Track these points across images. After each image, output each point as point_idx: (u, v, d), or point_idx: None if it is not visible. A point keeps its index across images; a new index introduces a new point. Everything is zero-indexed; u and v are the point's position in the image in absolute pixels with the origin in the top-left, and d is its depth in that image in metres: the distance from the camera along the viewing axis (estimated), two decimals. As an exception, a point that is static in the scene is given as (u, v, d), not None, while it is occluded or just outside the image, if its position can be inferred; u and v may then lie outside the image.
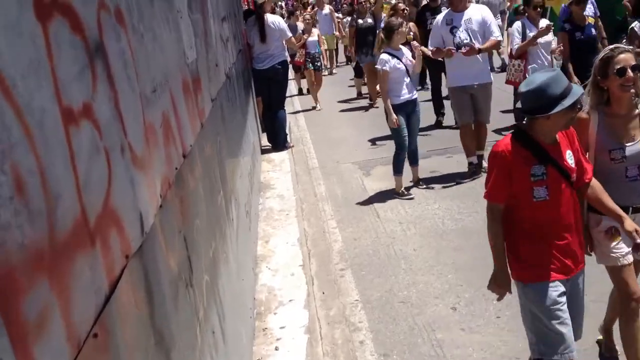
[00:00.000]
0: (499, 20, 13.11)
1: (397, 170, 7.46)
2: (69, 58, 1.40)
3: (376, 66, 7.35)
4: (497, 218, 3.40)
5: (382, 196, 7.56)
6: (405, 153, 7.45)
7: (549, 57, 8.12)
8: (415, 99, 7.39)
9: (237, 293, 3.79)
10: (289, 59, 10.57)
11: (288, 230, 6.19)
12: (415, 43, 7.63)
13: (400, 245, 6.12)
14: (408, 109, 7.30)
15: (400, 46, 7.28)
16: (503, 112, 9.73)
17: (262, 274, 5.22)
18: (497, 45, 7.94)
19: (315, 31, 13.64)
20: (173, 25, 2.95)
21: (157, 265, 1.89)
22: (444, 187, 7.56)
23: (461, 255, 5.74)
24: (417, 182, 7.68)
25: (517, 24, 8.27)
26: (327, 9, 17.71)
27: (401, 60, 7.16)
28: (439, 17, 7.90)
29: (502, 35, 14.04)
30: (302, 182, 8.33)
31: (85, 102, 1.45)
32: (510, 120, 9.65)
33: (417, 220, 6.70)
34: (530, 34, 7.95)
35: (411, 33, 9.18)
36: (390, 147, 9.57)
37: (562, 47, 8.08)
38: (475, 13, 7.62)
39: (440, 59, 8.14)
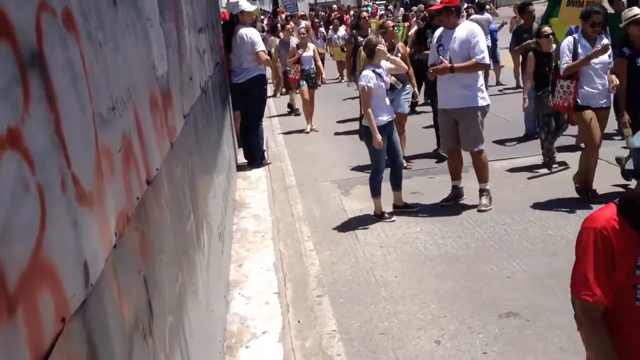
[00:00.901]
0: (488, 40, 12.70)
1: (375, 192, 7.12)
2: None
3: (360, 82, 7.01)
4: (600, 326, 2.36)
5: (361, 218, 7.28)
6: (382, 175, 7.15)
7: (605, 82, 6.95)
8: (393, 119, 7.17)
9: (205, 328, 3.46)
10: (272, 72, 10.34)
11: (263, 253, 5.86)
12: (392, 60, 7.29)
13: (381, 271, 5.83)
14: (389, 130, 7.02)
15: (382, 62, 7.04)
16: (496, 142, 9.51)
17: (235, 301, 4.89)
18: (475, 67, 6.95)
19: (312, 46, 12.91)
20: (141, 34, 2.64)
21: (106, 321, 1.58)
22: (425, 210, 7.29)
23: (444, 283, 5.47)
24: (398, 207, 7.32)
25: (569, 40, 7.19)
26: (303, 24, 17.09)
27: (383, 79, 6.91)
28: (435, 34, 7.49)
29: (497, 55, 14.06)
30: (279, 201, 8.02)
31: (10, 127, 1.14)
32: (515, 151, 9.45)
33: (398, 245, 6.42)
34: (582, 53, 6.92)
35: (399, 54, 8.75)
36: (369, 166, 9.35)
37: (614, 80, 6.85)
38: (462, 32, 7.04)
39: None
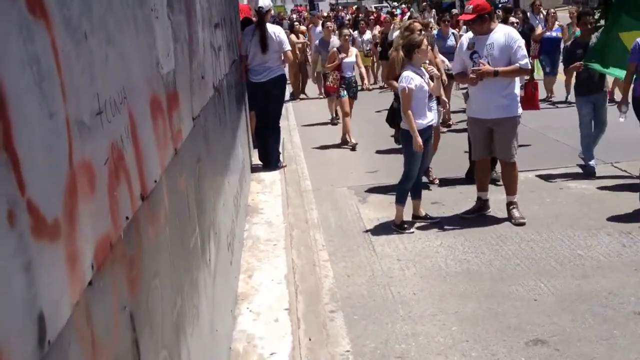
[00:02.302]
0: None
1: (401, 200, 6.74)
2: None
3: (400, 84, 6.59)
4: None
5: (379, 228, 6.94)
6: (411, 183, 6.76)
7: None
8: (433, 123, 6.84)
9: (207, 351, 3.15)
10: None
11: (275, 264, 5.54)
12: (429, 67, 6.88)
13: (399, 287, 5.49)
14: (427, 135, 6.64)
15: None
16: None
17: (242, 316, 4.57)
18: (519, 72, 6.72)
19: (354, 50, 11.29)
20: (144, 27, 2.33)
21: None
22: (446, 223, 6.93)
23: (467, 304, 5.11)
24: (418, 217, 6.97)
25: None
26: (320, 25, 16.48)
27: (425, 80, 6.52)
28: (463, 39, 7.07)
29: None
30: (294, 206, 7.70)
31: None
32: (541, 163, 8.96)
33: (417, 259, 6.07)
34: None
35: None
36: (389, 172, 8.99)
37: None
38: (500, 37, 6.60)
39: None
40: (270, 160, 9.02)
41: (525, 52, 6.68)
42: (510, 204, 6.83)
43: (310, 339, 4.71)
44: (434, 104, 8.17)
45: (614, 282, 5.25)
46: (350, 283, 5.66)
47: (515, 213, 6.74)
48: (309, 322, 4.97)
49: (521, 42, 6.68)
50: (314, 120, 13.54)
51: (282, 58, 8.97)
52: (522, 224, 6.60)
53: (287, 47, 9.04)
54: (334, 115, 12.95)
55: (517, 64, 6.51)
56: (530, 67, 6.98)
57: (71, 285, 1.32)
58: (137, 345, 1.78)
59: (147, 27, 2.40)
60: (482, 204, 7.03)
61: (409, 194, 6.86)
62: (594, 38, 8.14)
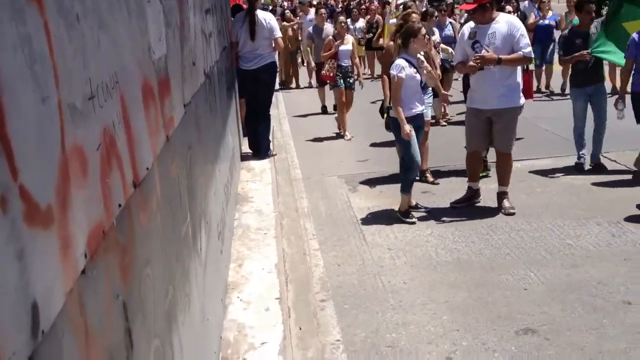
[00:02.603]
0: None
1: (405, 189, 6.69)
2: None
3: (390, 71, 6.57)
4: None
5: (369, 217, 6.93)
6: (415, 173, 6.71)
7: None
8: (424, 112, 6.76)
9: (199, 340, 3.12)
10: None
11: (265, 252, 5.52)
12: (424, 63, 6.68)
13: (389, 277, 5.48)
14: (418, 123, 6.61)
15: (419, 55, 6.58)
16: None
17: (233, 306, 4.54)
18: (522, 60, 6.62)
19: (350, 38, 10.70)
20: (135, 10, 2.28)
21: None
22: (436, 212, 6.92)
23: (457, 293, 5.11)
24: (409, 207, 6.88)
25: None
26: (311, 13, 16.26)
27: (418, 70, 6.46)
28: (464, 29, 6.87)
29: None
30: (284, 194, 7.67)
31: None
32: (531, 153, 8.97)
33: (408, 248, 6.06)
34: None
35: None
36: (380, 161, 9.00)
37: None
38: (502, 26, 6.48)
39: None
40: (260, 148, 8.98)
41: (528, 40, 6.58)
42: (502, 194, 6.80)
43: (300, 328, 4.69)
44: (429, 98, 8.00)
45: (603, 271, 5.27)
46: (340, 272, 5.65)
47: (506, 203, 6.74)
48: (299, 311, 4.95)
49: (524, 30, 6.58)
50: (304, 109, 13.48)
51: (273, 45, 8.92)
52: (512, 214, 6.60)
53: (278, 34, 8.98)
54: (324, 105, 12.83)
55: (520, 52, 6.42)
56: (532, 56, 6.82)
57: (64, 274, 1.29)
58: (130, 335, 1.75)
59: (139, 10, 2.36)
60: (472, 193, 7.00)
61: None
62: (593, 28, 8.00)
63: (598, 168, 7.91)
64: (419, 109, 6.58)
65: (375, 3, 21.74)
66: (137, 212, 1.99)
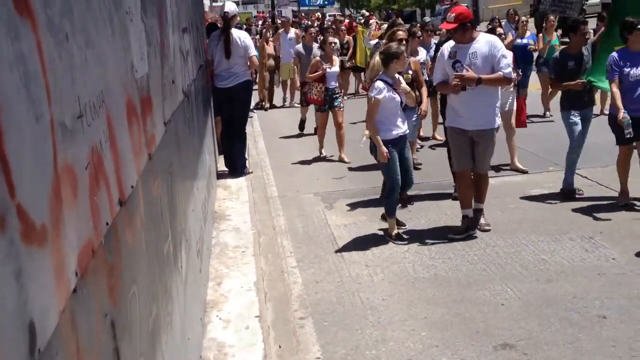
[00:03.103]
0: None
1: (390, 211, 6.66)
2: None
3: (369, 93, 6.55)
4: None
5: (346, 234, 6.94)
6: (397, 194, 6.64)
7: None
8: (406, 133, 6.67)
9: (180, 359, 3.09)
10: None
11: (244, 270, 5.49)
12: (403, 85, 6.61)
13: (367, 293, 5.49)
14: (401, 145, 6.57)
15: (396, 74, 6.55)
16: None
17: (212, 324, 4.51)
18: (502, 81, 6.46)
19: (337, 60, 10.52)
20: (119, 29, 2.29)
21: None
22: (412, 229, 6.95)
23: (436, 309, 5.14)
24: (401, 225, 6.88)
25: None
26: (292, 32, 16.02)
27: (396, 90, 6.42)
28: (444, 48, 6.65)
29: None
30: (260, 212, 7.66)
31: None
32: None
33: (385, 264, 6.09)
34: None
35: (410, 71, 7.85)
36: (355, 179, 9.04)
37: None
38: (483, 45, 6.35)
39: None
40: (236, 166, 8.97)
41: (509, 61, 6.50)
42: (477, 211, 6.74)
43: (280, 346, 4.68)
44: (414, 116, 8.07)
45: (578, 286, 5.34)
46: (319, 289, 5.65)
47: (482, 220, 6.76)
48: (278, 329, 4.94)
49: (504, 50, 6.54)
50: (279, 127, 13.50)
51: (248, 63, 8.94)
52: (488, 230, 6.65)
53: (253, 52, 9.00)
54: (305, 117, 12.48)
55: (500, 73, 6.30)
56: (513, 77, 6.73)
57: (58, 292, 1.28)
58: (118, 354, 1.73)
59: (122, 30, 2.37)
60: (468, 222, 6.68)
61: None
62: (584, 50, 7.72)
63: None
64: (400, 130, 6.51)
65: (346, 22, 21.70)
66: (124, 231, 1.98)
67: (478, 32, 6.59)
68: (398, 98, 6.41)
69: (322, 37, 11.53)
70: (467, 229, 6.62)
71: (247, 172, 9.07)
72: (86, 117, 1.64)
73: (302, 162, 10.36)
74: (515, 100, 8.76)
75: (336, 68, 10.21)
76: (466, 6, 9.27)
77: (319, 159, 10.50)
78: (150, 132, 2.76)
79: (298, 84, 12.55)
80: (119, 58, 2.25)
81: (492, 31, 8.68)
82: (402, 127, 6.54)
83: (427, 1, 52.91)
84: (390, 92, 6.37)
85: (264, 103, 16.05)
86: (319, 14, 43.66)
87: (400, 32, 7.52)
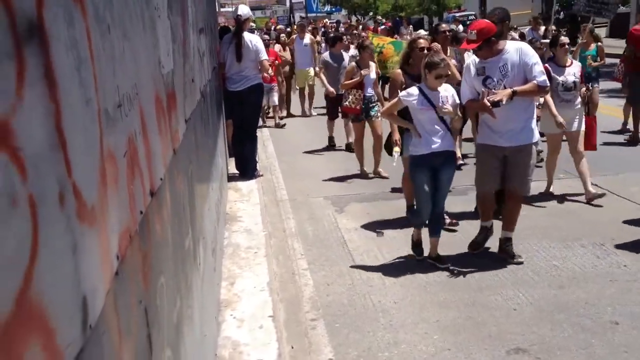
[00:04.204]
0: None
1: (415, 224, 6.26)
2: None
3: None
4: None
5: (356, 237, 6.96)
6: (423, 219, 6.08)
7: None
8: (449, 152, 5.91)
9: (199, 355, 3.12)
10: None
11: (256, 271, 5.52)
12: (447, 108, 5.82)
13: (379, 296, 5.51)
14: (436, 162, 5.88)
15: (441, 89, 5.86)
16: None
17: (226, 323, 4.54)
18: (538, 92, 5.93)
19: (373, 65, 9.51)
20: (149, 24, 2.32)
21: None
22: (424, 232, 6.95)
23: (448, 313, 5.15)
24: (432, 258, 6.16)
25: None
26: (307, 38, 15.33)
27: (433, 104, 5.77)
28: (470, 63, 6.04)
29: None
30: (270, 215, 7.68)
31: (-3, 116, 0.82)
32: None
33: (397, 268, 6.10)
34: None
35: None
36: (365, 183, 9.07)
37: None
38: (513, 55, 5.77)
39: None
40: (247, 169, 9.00)
41: (542, 68, 5.90)
42: (507, 240, 6.17)
43: (292, 347, 4.70)
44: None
45: (590, 292, 5.34)
46: (330, 292, 5.66)
47: (513, 250, 6.16)
48: (290, 330, 4.95)
49: (536, 57, 5.90)
50: (287, 131, 13.54)
51: (260, 67, 8.99)
52: (521, 263, 6.04)
53: (264, 56, 9.03)
54: (331, 136, 11.60)
55: (535, 82, 5.71)
56: (548, 85, 6.11)
57: (104, 273, 1.31)
58: (150, 341, 1.76)
59: (152, 25, 2.40)
60: (486, 233, 6.29)
61: (429, 227, 6.18)
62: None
63: None
64: (434, 146, 5.83)
65: (370, 27, 20.97)
66: (154, 221, 2.01)
67: (504, 42, 5.97)
68: (433, 112, 5.80)
69: (354, 43, 11.06)
70: (485, 240, 6.28)
71: (258, 174, 9.11)
72: (124, 107, 1.67)
73: (312, 166, 10.38)
74: (583, 119, 7.90)
75: (374, 74, 9.38)
76: (477, 15, 8.89)
77: (327, 162, 10.51)
78: (175, 128, 2.80)
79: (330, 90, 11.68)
80: (149, 53, 2.28)
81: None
82: (437, 144, 5.83)
83: (434, 9, 52.98)
84: (424, 104, 5.80)
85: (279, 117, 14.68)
86: (326, 20, 43.73)
87: (421, 40, 7.10)
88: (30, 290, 0.90)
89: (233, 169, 9.18)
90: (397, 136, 6.93)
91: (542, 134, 6.95)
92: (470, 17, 42.56)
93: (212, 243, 4.56)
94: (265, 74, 11.30)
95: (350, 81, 9.23)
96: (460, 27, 23.77)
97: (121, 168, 1.57)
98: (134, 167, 1.74)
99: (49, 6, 1.07)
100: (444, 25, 8.61)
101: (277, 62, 14.14)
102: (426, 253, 6.24)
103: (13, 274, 0.86)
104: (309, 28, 18.63)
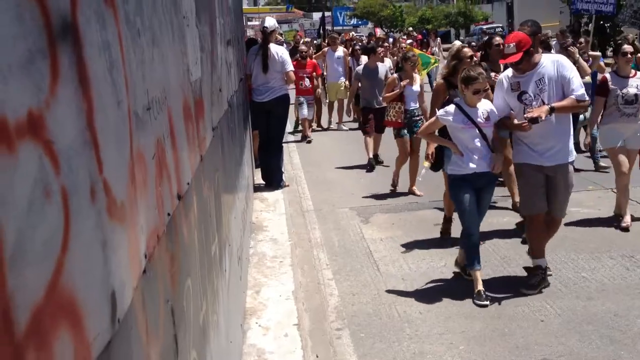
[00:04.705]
0: None
1: (470, 262, 5.61)
2: (8, 33, 0.81)
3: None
4: None
5: (382, 247, 6.95)
6: (475, 239, 5.59)
7: None
8: (490, 174, 5.59)
9: (224, 361, 3.14)
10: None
11: (282, 280, 5.54)
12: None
13: (404, 306, 5.49)
14: (480, 183, 5.57)
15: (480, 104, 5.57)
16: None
17: (251, 331, 4.56)
18: (577, 107, 5.60)
19: (418, 77, 9.15)
20: (177, 32, 2.37)
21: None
22: (448, 243, 6.92)
23: (473, 324, 5.12)
24: (460, 269, 5.90)
25: None
26: (340, 50, 15.04)
27: (474, 121, 5.47)
28: (502, 78, 5.67)
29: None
30: (296, 225, 7.71)
31: (32, 111, 0.85)
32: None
33: (422, 278, 6.08)
34: None
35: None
36: (391, 194, 9.05)
37: None
38: (550, 68, 5.41)
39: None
40: (272, 179, 9.06)
41: (580, 81, 5.58)
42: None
43: (317, 356, 4.70)
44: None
45: (619, 304, 5.27)
46: (355, 301, 5.66)
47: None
48: (315, 339, 4.96)
49: (574, 70, 5.61)
50: (313, 143, 13.58)
51: (286, 78, 9.06)
52: (549, 275, 5.75)
53: (290, 67, 9.12)
54: (373, 155, 10.72)
55: (573, 96, 5.36)
56: (588, 99, 5.66)
57: (132, 270, 1.34)
58: (176, 342, 1.79)
59: (180, 33, 2.45)
60: (543, 274, 5.66)
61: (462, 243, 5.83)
62: None
63: None
64: (476, 166, 5.49)
65: (419, 35, 20.31)
66: (181, 224, 2.04)
67: (540, 54, 5.63)
68: (475, 130, 5.49)
69: (395, 56, 10.66)
70: (541, 282, 5.62)
71: (284, 185, 9.16)
72: (153, 110, 1.71)
73: (338, 177, 10.40)
74: None
75: (417, 87, 8.89)
76: (505, 27, 8.51)
77: (353, 174, 10.52)
78: (202, 135, 2.84)
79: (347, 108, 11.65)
80: (177, 60, 2.33)
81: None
82: (479, 164, 5.49)
83: (461, 21, 52.91)
84: (464, 122, 5.48)
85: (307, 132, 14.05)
86: (352, 33, 43.85)
87: (465, 50, 6.86)
88: (61, 279, 0.93)
89: (259, 180, 9.25)
90: (430, 149, 6.54)
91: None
92: (497, 29, 42.45)
93: (238, 251, 4.60)
94: (304, 87, 11.32)
95: (390, 93, 8.80)
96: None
97: (150, 169, 1.61)
98: (162, 170, 1.78)
99: (82, 8, 1.11)
100: (497, 38, 8.03)
101: (315, 73, 13.89)
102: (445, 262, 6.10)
103: (45, 261, 0.89)
104: (342, 39, 18.38)
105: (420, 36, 22.43)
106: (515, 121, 5.44)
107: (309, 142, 13.61)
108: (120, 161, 1.32)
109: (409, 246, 6.91)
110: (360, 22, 67.10)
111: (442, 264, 6.41)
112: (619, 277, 5.79)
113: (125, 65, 1.41)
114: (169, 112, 2.00)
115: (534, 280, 5.61)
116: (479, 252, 5.64)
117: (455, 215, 6.46)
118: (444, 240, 6.98)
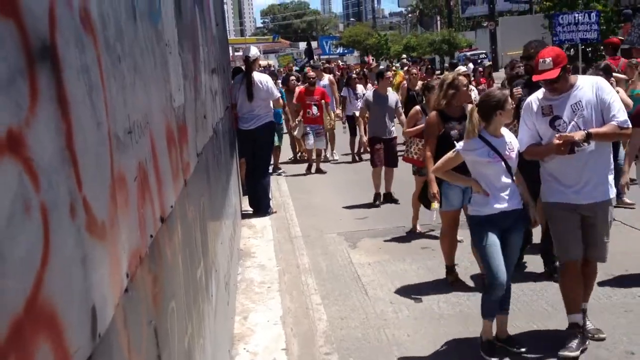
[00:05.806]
0: None
1: (486, 312, 4.88)
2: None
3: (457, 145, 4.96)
4: None
5: (370, 272, 6.97)
6: (498, 293, 4.74)
7: None
8: (519, 211, 4.82)
9: (211, 386, 3.13)
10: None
11: (270, 305, 5.54)
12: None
13: (393, 330, 5.50)
14: (506, 224, 4.78)
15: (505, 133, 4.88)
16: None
17: (239, 356, 4.55)
18: (618, 134, 4.83)
19: None
20: (160, 59, 2.42)
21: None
22: (434, 266, 6.95)
23: (462, 347, 5.12)
24: (500, 340, 4.97)
25: None
26: (326, 79, 14.81)
27: (500, 154, 4.73)
28: (531, 102, 4.87)
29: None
30: (284, 252, 7.72)
31: (11, 129, 0.89)
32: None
33: (410, 301, 6.08)
34: None
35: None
36: (379, 218, 9.10)
37: None
38: (587, 91, 4.68)
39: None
40: (260, 206, 9.09)
41: (622, 105, 4.78)
42: (583, 312, 5.03)
43: (306, 381, 4.69)
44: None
45: (605, 323, 5.29)
46: (344, 326, 5.66)
47: (588, 323, 5.08)
48: (304, 364, 4.95)
49: (614, 94, 4.82)
50: (300, 169, 13.62)
51: (272, 105, 9.18)
52: (603, 339, 4.99)
53: (276, 94, 9.25)
54: (385, 194, 9.94)
55: (614, 122, 4.62)
56: (630, 126, 4.78)
57: (113, 287, 1.36)
58: (160, 362, 1.80)
59: (163, 60, 2.50)
60: (579, 331, 4.88)
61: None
62: None
63: None
64: (503, 204, 4.73)
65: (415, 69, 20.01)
66: (164, 246, 2.07)
67: (576, 75, 5.00)
68: (501, 164, 4.74)
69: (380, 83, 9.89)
70: (581, 343, 4.83)
71: (272, 211, 9.19)
72: (135, 134, 1.75)
73: (325, 204, 10.44)
74: None
75: None
76: (488, 53, 8.14)
77: (341, 199, 10.56)
78: (186, 160, 2.87)
79: (365, 138, 10.70)
80: (160, 86, 2.37)
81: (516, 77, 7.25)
82: (506, 201, 4.74)
83: (445, 48, 53.54)
84: (490, 155, 4.72)
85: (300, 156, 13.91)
86: (340, 61, 44.27)
87: (462, 78, 6.36)
88: (41, 292, 0.95)
89: (247, 207, 9.27)
90: (435, 189, 6.02)
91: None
92: (481, 56, 43.01)
93: (225, 277, 4.60)
94: (311, 115, 11.35)
95: (414, 128, 7.74)
96: (471, 66, 23.86)
97: (131, 191, 1.64)
98: (144, 192, 1.81)
99: (60, 29, 1.15)
100: (520, 64, 7.41)
101: (324, 101, 13.19)
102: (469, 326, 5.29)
103: (24, 276, 0.92)
104: (326, 66, 18.18)
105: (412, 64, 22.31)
106: (555, 140, 4.59)
107: (323, 172, 13.05)
108: (101, 181, 1.35)
109: (397, 270, 6.93)
110: (346, 51, 67.83)
111: (430, 286, 6.43)
112: (605, 297, 5.83)
113: (106, 88, 1.45)
114: (151, 137, 2.04)
115: (570, 343, 4.80)
116: (497, 305, 4.93)
117: (459, 257, 6.43)
118: (431, 263, 7.01)
